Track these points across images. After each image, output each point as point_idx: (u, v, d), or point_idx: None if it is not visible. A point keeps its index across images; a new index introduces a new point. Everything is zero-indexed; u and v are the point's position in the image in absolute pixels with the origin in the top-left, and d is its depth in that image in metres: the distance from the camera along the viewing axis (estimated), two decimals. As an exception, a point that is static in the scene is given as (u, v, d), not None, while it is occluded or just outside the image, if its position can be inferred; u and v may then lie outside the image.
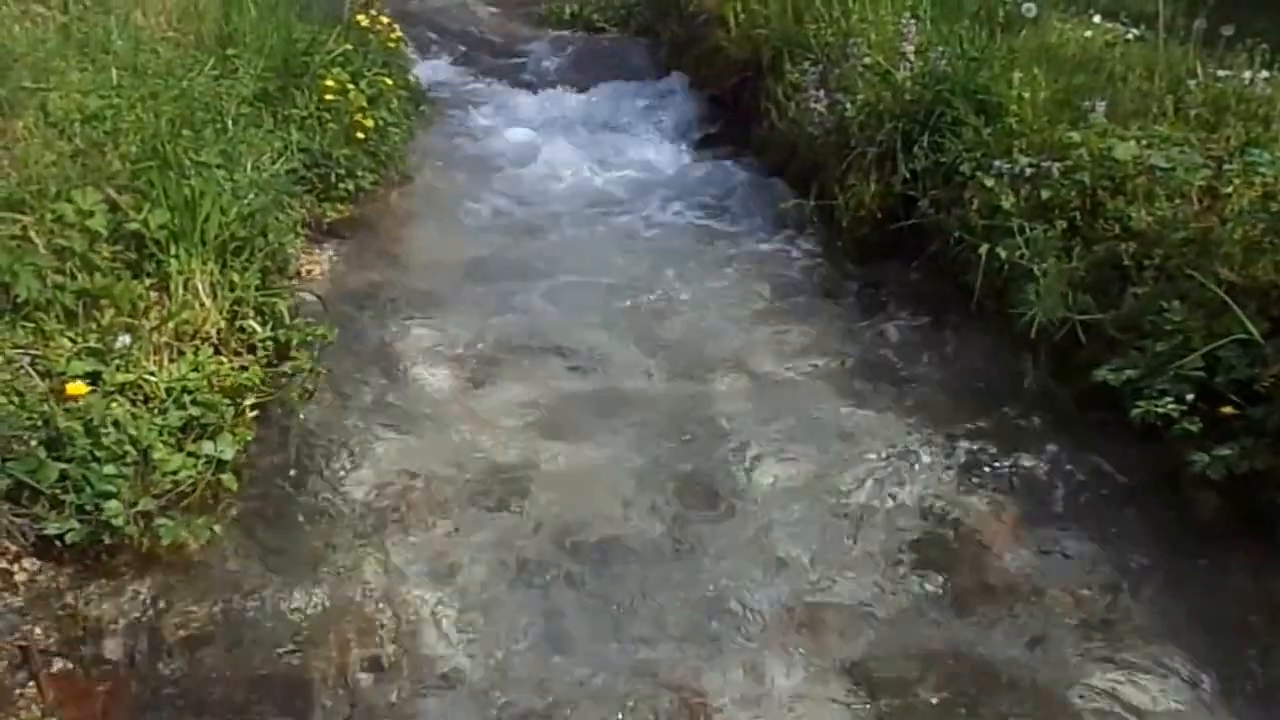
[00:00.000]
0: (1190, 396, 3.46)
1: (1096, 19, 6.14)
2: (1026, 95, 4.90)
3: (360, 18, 7.01)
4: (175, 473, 3.23)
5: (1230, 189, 4.11)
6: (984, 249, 4.38)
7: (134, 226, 3.88)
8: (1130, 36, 5.88)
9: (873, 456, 3.81)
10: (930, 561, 3.33)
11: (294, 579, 3.09)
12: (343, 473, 3.57)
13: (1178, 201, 4.16)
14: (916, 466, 3.75)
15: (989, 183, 4.56)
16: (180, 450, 3.31)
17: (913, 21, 5.70)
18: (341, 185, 5.64)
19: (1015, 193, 4.46)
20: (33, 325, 3.41)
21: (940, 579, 3.26)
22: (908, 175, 5.14)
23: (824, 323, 4.81)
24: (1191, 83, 4.92)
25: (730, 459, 3.81)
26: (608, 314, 4.86)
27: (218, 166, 4.45)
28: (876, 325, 4.72)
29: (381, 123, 6.21)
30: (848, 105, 5.60)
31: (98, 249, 3.75)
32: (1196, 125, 4.67)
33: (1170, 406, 3.46)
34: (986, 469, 3.72)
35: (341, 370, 4.14)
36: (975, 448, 3.82)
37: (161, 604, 2.93)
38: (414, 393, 4.13)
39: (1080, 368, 3.93)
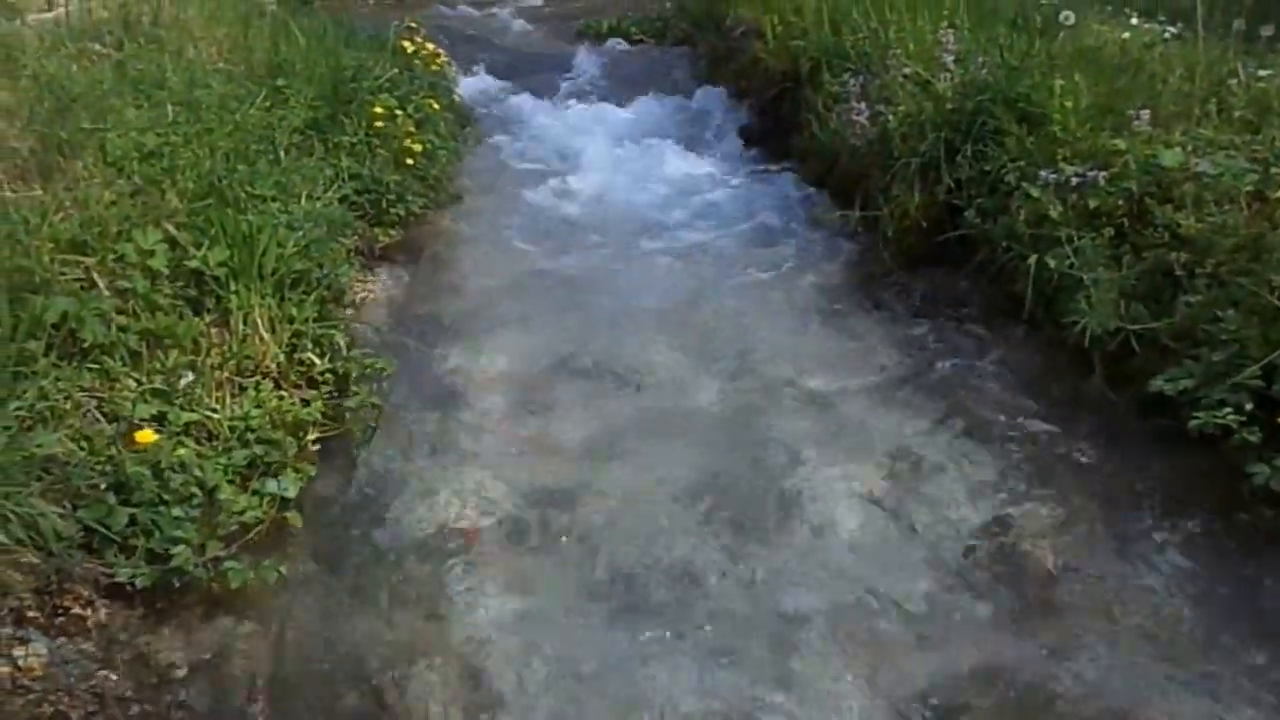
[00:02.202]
0: (1249, 406, 3.33)
1: (1134, 19, 5.99)
2: (1068, 103, 4.76)
3: (405, 43, 6.97)
4: (241, 512, 3.18)
5: (1279, 193, 3.97)
6: (1033, 258, 4.26)
7: (194, 264, 3.85)
8: (1168, 35, 5.73)
9: (930, 470, 3.71)
10: (994, 579, 3.22)
11: (364, 619, 3.03)
12: (407, 508, 3.50)
13: (1227, 207, 4.01)
14: (975, 480, 3.64)
15: (1035, 192, 4.43)
16: (245, 489, 3.27)
17: (951, 31, 5.56)
18: (392, 210, 5.60)
19: (1062, 201, 4.33)
20: (98, 367, 3.37)
21: (1005, 596, 3.15)
22: (952, 185, 5.03)
23: (875, 334, 4.70)
24: (1233, 83, 4.77)
25: (788, 477, 3.71)
26: (658, 332, 4.78)
27: (272, 199, 4.43)
28: (927, 336, 4.61)
29: (429, 146, 6.17)
30: (889, 116, 5.49)
31: (159, 288, 3.71)
32: (1240, 127, 4.51)
33: (1229, 417, 3.33)
34: (1046, 482, 3.60)
35: (400, 400, 4.09)
36: (1034, 460, 3.71)
37: (232, 647, 2.87)
38: (473, 421, 4.06)
39: (1135, 377, 3.80)
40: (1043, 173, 4.43)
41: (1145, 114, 4.48)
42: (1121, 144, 4.38)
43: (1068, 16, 5.27)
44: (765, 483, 3.69)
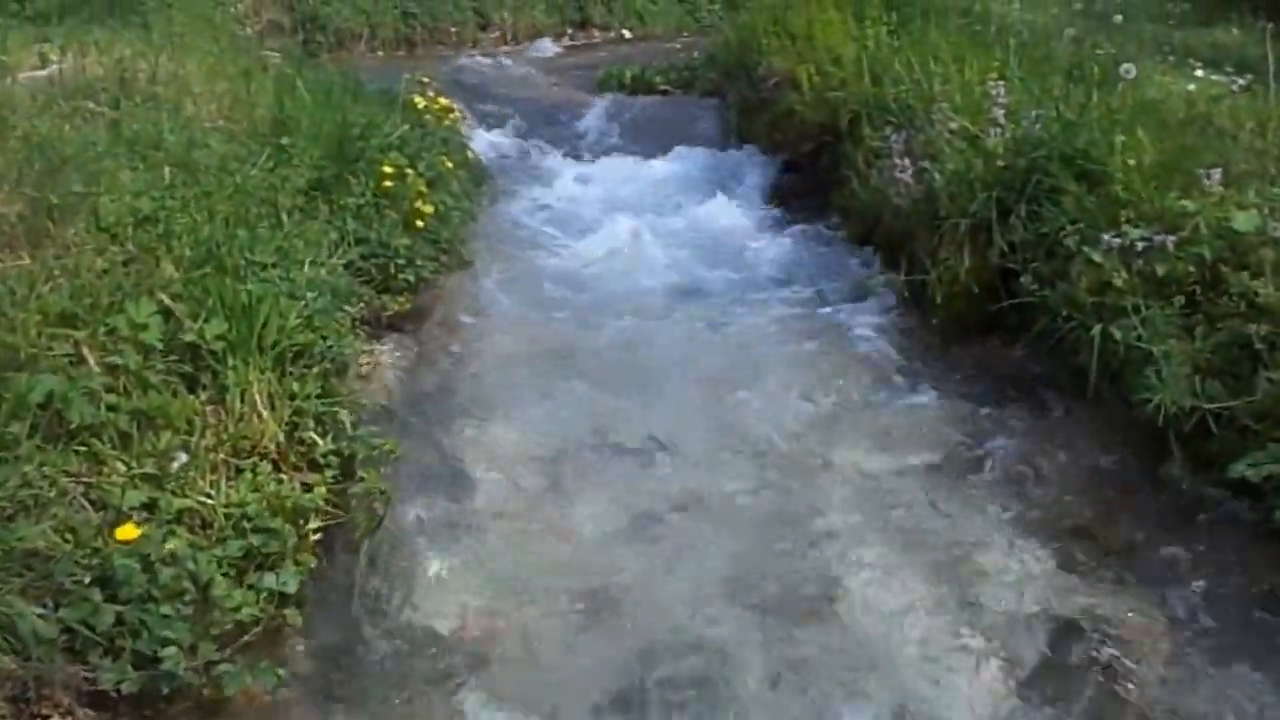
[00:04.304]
0: (1343, 495, 3.27)
1: (1198, 70, 6.00)
2: (1131, 161, 4.74)
3: (416, 98, 7.04)
4: (236, 610, 3.13)
5: (1364, 261, 3.93)
6: (1096, 329, 4.21)
7: (190, 338, 3.83)
8: (1236, 87, 5.73)
9: (984, 564, 3.64)
10: (1059, 688, 3.14)
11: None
12: (416, 603, 3.46)
13: (1309, 275, 3.98)
14: (1035, 576, 3.57)
15: (1097, 257, 4.40)
16: (241, 584, 3.22)
17: (1001, 82, 5.58)
18: (401, 276, 5.60)
19: (1127, 267, 4.30)
20: (85, 450, 3.35)
21: (1073, 709, 3.07)
22: (1005, 248, 5.01)
23: (922, 411, 4.66)
24: (1308, 138, 4.76)
25: (827, 570, 3.66)
26: (686, 407, 4.75)
27: (273, 265, 4.44)
28: (980, 413, 4.56)
29: (442, 207, 6.21)
30: (936, 173, 5.49)
31: (152, 363, 3.70)
32: (1318, 187, 4.48)
33: (1321, 507, 3.27)
34: (1116, 577, 3.53)
35: (409, 482, 4.06)
36: (1101, 553, 3.64)
37: (225, 761, 2.83)
38: (488, 505, 4.03)
39: (1214, 461, 3.74)
40: (1105, 236, 4.40)
41: (1216, 173, 4.45)
42: (1190, 205, 4.35)
43: (1128, 69, 5.26)
44: (802, 580, 3.63)
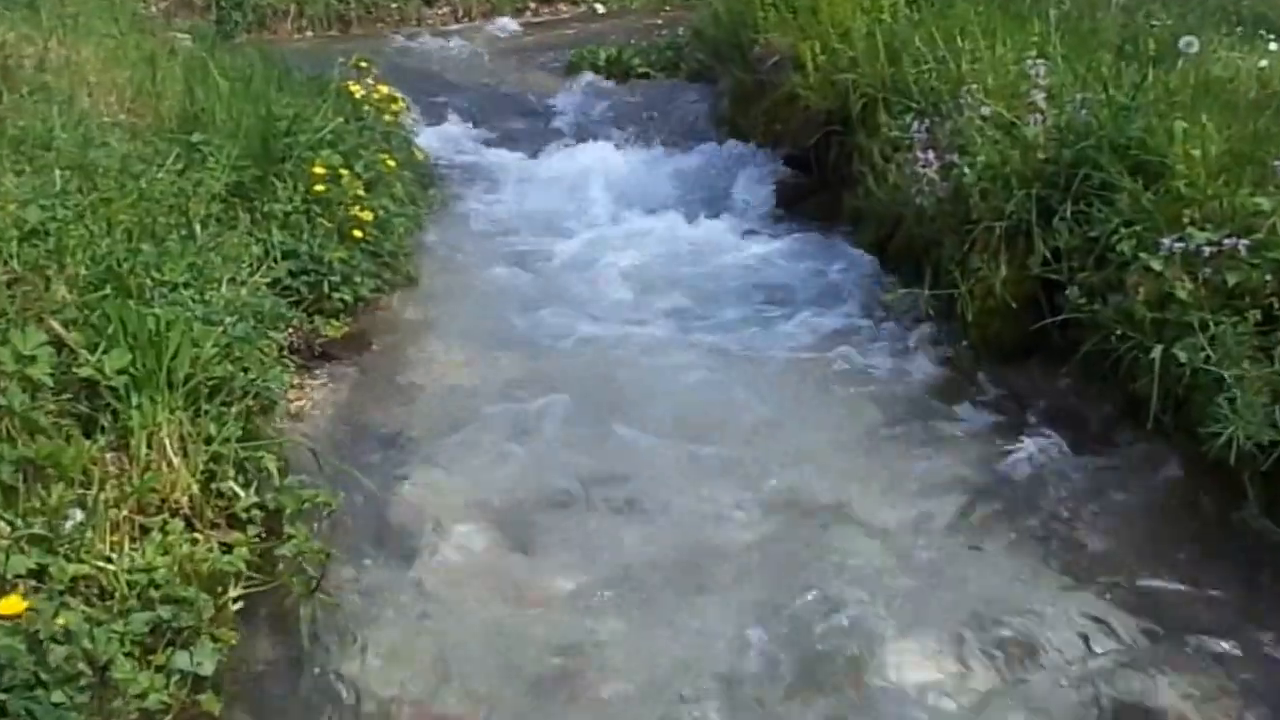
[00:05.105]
0: None
1: (1272, 43, 6.05)
2: (1195, 151, 4.77)
3: (353, 86, 7.05)
4: (142, 696, 3.09)
5: None
6: (1157, 350, 4.23)
7: (86, 372, 3.82)
8: (1317, 62, 5.78)
9: (1027, 632, 3.63)
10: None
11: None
12: (355, 682, 3.44)
13: None
14: (1086, 648, 3.56)
15: (1156, 264, 4.41)
16: (147, 665, 3.18)
17: (1040, 61, 5.61)
18: (336, 295, 5.63)
19: (1191, 277, 4.32)
20: (-38, 508, 3.33)
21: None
22: (1048, 255, 5.02)
23: (953, 448, 4.69)
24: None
25: (845, 641, 3.64)
26: (675, 449, 4.75)
27: (185, 285, 4.44)
28: (1021, 451, 4.57)
29: (383, 213, 6.22)
30: (965, 168, 5.51)
31: (41, 403, 3.68)
32: None
33: None
34: (1181, 648, 3.52)
35: (348, 541, 4.06)
36: (1166, 615, 3.65)
37: None
38: (440, 565, 4.02)
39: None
40: (1165, 240, 4.42)
41: (1294, 164, 4.49)
42: (1266, 203, 4.38)
43: (1190, 43, 5.30)
44: (814, 657, 3.61)
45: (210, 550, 3.62)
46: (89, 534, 3.44)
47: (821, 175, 7.40)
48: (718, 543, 4.18)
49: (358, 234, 5.89)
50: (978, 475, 4.49)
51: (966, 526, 4.21)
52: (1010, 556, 4.01)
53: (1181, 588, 3.78)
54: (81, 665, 3.04)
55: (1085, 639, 3.59)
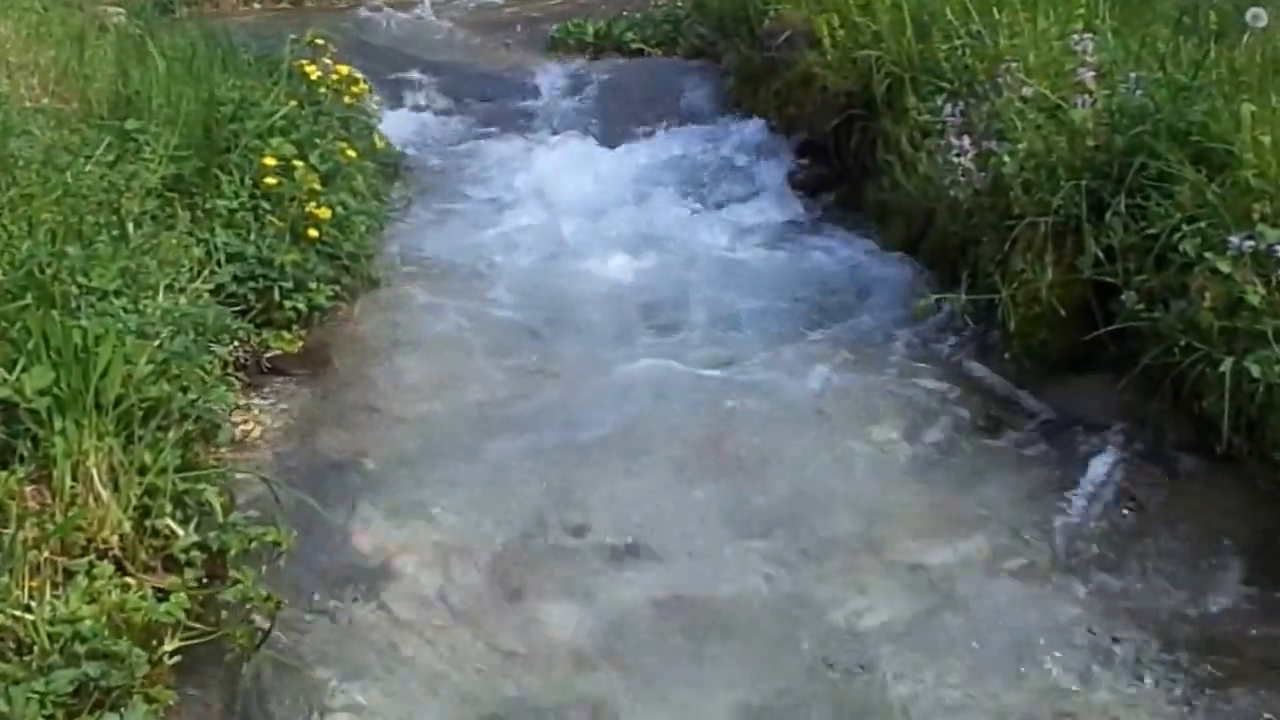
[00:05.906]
0: None
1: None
2: (1265, 137, 4.75)
3: (308, 66, 7.04)
4: (66, 766, 3.09)
5: None
6: (1227, 363, 4.22)
7: (3, 393, 3.82)
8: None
9: (1078, 691, 3.63)
10: None
11: None
12: (310, 751, 3.44)
13: None
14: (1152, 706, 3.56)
15: (1224, 266, 4.41)
16: (73, 730, 3.18)
17: (1088, 36, 5.60)
18: (288, 303, 5.63)
19: (1264, 280, 4.31)
20: None
21: None
22: (1100, 255, 5.01)
23: (992, 477, 4.69)
24: None
25: (871, 703, 3.64)
26: (674, 480, 4.76)
27: (116, 293, 4.43)
28: (1070, 479, 4.57)
29: (342, 209, 6.19)
30: (1005, 157, 5.50)
31: (-51, 429, 3.68)
32: None
33: None
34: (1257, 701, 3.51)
35: (302, 586, 4.04)
36: (1236, 674, 3.62)
37: None
38: (407, 616, 4.00)
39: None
40: (1233, 238, 4.41)
41: (1380, 153, 4.48)
42: (1346, 196, 4.38)
43: (1257, 16, 5.29)
44: (839, 710, 3.61)
45: (144, 597, 3.60)
46: (4, 579, 3.43)
47: (841, 165, 7.42)
48: (724, 587, 4.17)
49: (313, 234, 5.87)
50: (1019, 506, 4.49)
51: (1007, 566, 4.21)
52: (1056, 599, 4.01)
53: (1254, 635, 3.77)
54: (-5, 731, 3.03)
55: (1146, 703, 3.58)
